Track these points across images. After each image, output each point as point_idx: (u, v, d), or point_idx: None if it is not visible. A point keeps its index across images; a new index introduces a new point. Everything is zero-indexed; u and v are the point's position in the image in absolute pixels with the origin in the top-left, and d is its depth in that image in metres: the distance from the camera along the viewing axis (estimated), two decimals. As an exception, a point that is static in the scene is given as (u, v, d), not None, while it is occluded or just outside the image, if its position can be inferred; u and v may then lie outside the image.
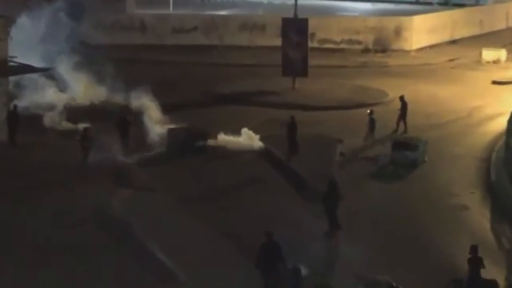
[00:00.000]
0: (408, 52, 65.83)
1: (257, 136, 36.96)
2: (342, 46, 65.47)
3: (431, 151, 36.30)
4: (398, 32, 67.06)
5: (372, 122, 38.03)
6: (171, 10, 77.22)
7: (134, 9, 72.65)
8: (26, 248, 24.74)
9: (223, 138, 36.97)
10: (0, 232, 25.71)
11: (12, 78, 39.34)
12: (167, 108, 40.24)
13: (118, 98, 42.10)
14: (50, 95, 42.76)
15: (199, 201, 29.86)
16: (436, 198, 31.17)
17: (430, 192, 31.92)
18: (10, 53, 38.48)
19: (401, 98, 41.54)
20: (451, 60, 63.63)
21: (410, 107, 41.17)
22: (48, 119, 39.38)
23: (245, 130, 37.22)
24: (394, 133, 40.08)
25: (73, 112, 40.75)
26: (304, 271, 21.71)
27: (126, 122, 36.24)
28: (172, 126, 37.38)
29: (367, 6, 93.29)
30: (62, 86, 44.20)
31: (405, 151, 35.41)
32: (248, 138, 36.99)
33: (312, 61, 51.09)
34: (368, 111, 38.92)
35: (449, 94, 50.86)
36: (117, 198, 29.40)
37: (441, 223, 27.44)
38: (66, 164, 33.23)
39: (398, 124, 40.55)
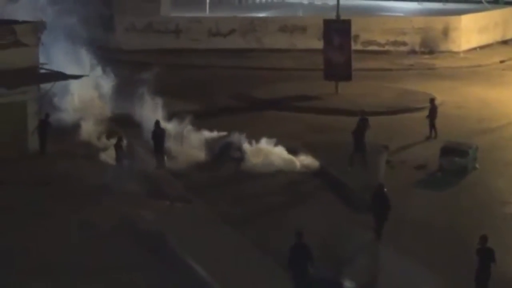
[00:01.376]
0: (456, 53, 65.47)
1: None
2: (387, 48, 65.29)
3: (482, 157, 35.95)
4: (446, 32, 66.73)
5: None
6: (207, 12, 77.35)
7: (168, 11, 72.73)
8: (53, 263, 24.52)
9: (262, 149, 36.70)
10: (26, 246, 25.74)
11: (44, 86, 39.45)
12: (204, 114, 40.40)
13: (152, 107, 42.05)
14: (83, 103, 42.92)
15: (237, 213, 29.81)
16: (488, 207, 30.86)
17: (481, 200, 31.61)
18: (41, 59, 38.68)
19: (431, 101, 41.48)
20: (502, 62, 63.24)
21: (459, 111, 41.23)
22: (82, 129, 39.47)
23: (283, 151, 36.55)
24: (428, 139, 39.96)
25: (107, 122, 40.85)
26: (349, 284, 21.68)
27: (160, 131, 36.31)
28: (210, 135, 37.38)
29: (413, 5, 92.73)
30: (95, 94, 44.38)
31: (454, 157, 35.14)
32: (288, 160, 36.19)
33: (356, 64, 50.83)
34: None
35: (500, 97, 50.42)
36: (150, 210, 29.39)
37: (494, 232, 27.09)
38: (97, 175, 33.29)
39: (431, 129, 40.42)
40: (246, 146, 36.12)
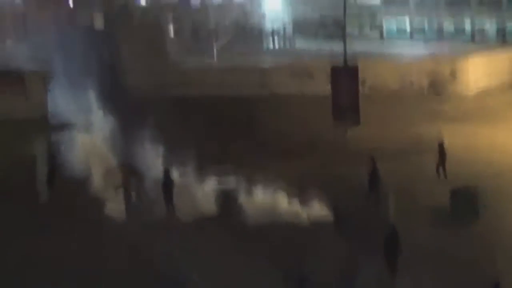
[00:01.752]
0: (465, 95, 65.53)
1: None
2: (395, 91, 65.34)
3: (492, 200, 36.13)
4: (453, 74, 66.87)
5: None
6: (215, 60, 77.87)
7: (177, 60, 73.30)
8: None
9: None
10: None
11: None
12: (212, 162, 40.79)
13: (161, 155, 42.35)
14: (89, 153, 43.12)
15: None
16: (499, 249, 31.05)
17: (492, 240, 31.83)
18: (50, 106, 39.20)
19: (440, 145, 41.86)
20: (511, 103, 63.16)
21: (468, 155, 41.21)
22: (93, 179, 39.63)
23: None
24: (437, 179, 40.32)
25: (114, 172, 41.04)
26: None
27: (170, 181, 36.54)
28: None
29: (420, 47, 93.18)
30: (103, 142, 44.54)
31: (464, 200, 35.30)
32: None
33: (364, 108, 51.05)
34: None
35: (508, 139, 50.51)
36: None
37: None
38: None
39: (438, 170, 40.66)
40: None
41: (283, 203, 36.47)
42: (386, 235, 28.84)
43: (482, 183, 38.24)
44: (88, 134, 42.54)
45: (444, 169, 41.02)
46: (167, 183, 36.53)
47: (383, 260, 28.27)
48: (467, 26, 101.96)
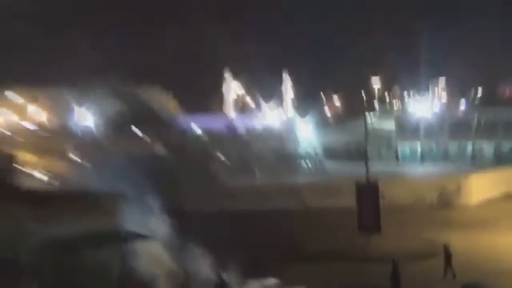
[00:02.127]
0: (468, 207, 65.25)
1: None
2: (409, 204, 65.17)
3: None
4: (459, 189, 66.84)
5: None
6: (258, 180, 78.09)
7: (226, 180, 73.69)
8: None
9: None
10: None
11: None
12: (258, 265, 40.61)
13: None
14: (156, 259, 42.98)
15: None
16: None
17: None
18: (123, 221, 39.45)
19: (445, 248, 41.53)
20: (507, 213, 62.74)
21: (473, 257, 40.85)
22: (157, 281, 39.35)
23: None
24: (444, 279, 39.88)
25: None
26: None
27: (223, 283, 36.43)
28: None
29: (430, 167, 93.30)
30: (164, 250, 44.35)
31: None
32: None
33: (384, 219, 50.94)
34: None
35: (508, 243, 50.06)
36: None
37: None
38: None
39: (445, 271, 40.30)
40: None
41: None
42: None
43: (487, 279, 37.80)
44: (152, 244, 42.59)
45: (451, 268, 40.66)
46: (221, 285, 36.40)
47: None
48: (469, 148, 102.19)
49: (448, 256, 41.06)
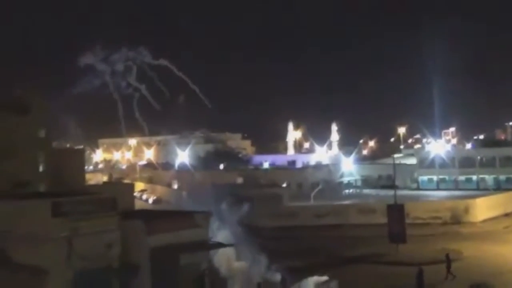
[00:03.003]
0: (475, 223, 63.67)
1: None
2: (428, 221, 63.89)
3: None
4: (467, 209, 65.52)
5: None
6: (312, 202, 77.61)
7: (287, 202, 73.46)
8: None
9: None
10: None
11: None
12: (313, 267, 39.95)
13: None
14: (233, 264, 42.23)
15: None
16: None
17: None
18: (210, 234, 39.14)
19: (447, 256, 40.54)
20: (506, 227, 60.99)
21: (480, 262, 39.59)
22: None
23: None
24: (445, 280, 38.61)
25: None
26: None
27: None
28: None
29: (443, 193, 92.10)
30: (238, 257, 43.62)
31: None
32: None
33: (409, 232, 49.84)
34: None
35: (507, 250, 48.53)
36: None
37: None
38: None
39: (447, 273, 38.93)
40: None
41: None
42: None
43: (492, 279, 36.49)
44: (232, 250, 42.10)
45: (450, 272, 39.40)
46: (283, 282, 35.75)
47: None
48: (474, 178, 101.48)
49: (448, 262, 39.91)
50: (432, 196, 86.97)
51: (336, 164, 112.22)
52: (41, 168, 61.76)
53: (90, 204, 33.42)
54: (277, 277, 37.25)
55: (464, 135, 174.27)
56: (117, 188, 72.19)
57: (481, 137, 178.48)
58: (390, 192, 62.01)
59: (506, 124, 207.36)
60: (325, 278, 35.81)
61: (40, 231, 31.18)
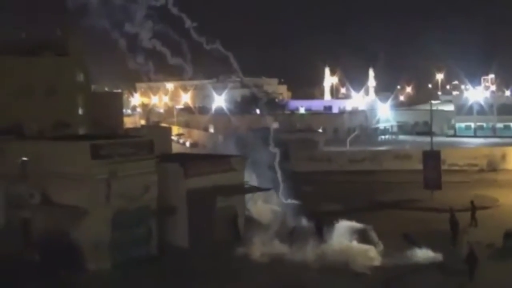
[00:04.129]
0: (511, 170, 62.83)
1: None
2: (464, 168, 63.17)
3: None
4: (504, 156, 64.57)
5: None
6: (347, 147, 77.45)
7: (323, 147, 73.39)
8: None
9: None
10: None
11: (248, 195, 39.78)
12: (347, 212, 40.07)
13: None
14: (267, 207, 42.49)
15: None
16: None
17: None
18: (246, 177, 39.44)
19: (472, 202, 40.01)
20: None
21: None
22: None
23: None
24: (469, 226, 38.08)
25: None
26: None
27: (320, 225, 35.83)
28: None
29: (481, 140, 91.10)
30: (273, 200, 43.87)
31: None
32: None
33: (444, 178, 49.39)
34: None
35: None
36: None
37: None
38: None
39: (472, 220, 38.56)
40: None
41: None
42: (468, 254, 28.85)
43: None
44: (268, 194, 42.44)
45: (475, 219, 38.91)
46: (318, 227, 35.81)
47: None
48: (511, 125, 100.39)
49: (473, 209, 39.52)
50: (469, 143, 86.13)
51: (372, 110, 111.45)
52: (80, 111, 62.57)
53: (128, 147, 33.91)
54: (312, 221, 37.42)
55: (503, 82, 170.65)
56: (155, 131, 73.15)
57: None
58: (427, 139, 61.39)
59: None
60: (359, 225, 35.67)
61: (80, 173, 31.77)
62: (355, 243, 33.01)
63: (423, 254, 31.49)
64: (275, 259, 31.97)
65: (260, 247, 33.11)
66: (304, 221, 38.10)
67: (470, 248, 29.43)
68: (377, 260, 31.27)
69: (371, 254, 31.72)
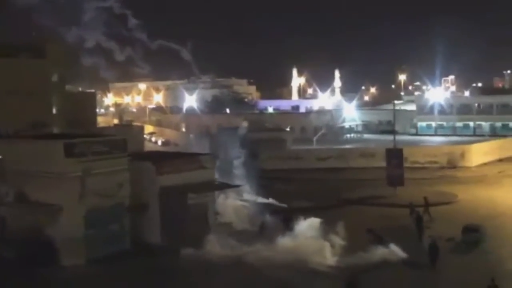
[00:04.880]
0: (470, 167, 63.79)
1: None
2: (425, 165, 63.94)
3: (490, 234, 34.68)
4: (463, 154, 65.45)
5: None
6: (314, 145, 77.85)
7: (291, 146, 73.65)
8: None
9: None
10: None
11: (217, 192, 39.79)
12: (312, 209, 40.31)
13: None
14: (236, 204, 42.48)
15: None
16: (495, 265, 29.68)
17: (491, 261, 30.45)
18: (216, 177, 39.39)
19: (425, 198, 40.72)
20: (500, 172, 61.13)
21: (473, 204, 39.88)
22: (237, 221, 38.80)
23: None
24: (430, 222, 38.28)
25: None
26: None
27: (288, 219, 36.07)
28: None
29: (441, 138, 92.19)
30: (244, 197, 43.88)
31: (472, 233, 34.01)
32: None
33: (407, 175, 50.02)
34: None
35: (500, 194, 48.77)
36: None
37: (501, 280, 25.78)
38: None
39: (426, 214, 38.91)
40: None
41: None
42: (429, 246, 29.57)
43: (484, 222, 36.70)
44: (237, 190, 42.56)
45: (429, 214, 39.25)
46: (285, 221, 36.06)
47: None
48: (471, 125, 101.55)
49: (426, 205, 40.12)
50: (430, 141, 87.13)
51: (338, 109, 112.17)
52: (54, 111, 61.97)
53: (102, 145, 33.72)
54: (280, 217, 37.58)
55: (462, 82, 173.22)
56: (128, 130, 72.80)
57: (480, 84, 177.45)
58: (390, 137, 62.00)
59: (504, 72, 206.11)
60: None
61: (54, 171, 31.52)
62: (312, 240, 32.54)
63: (387, 250, 31.46)
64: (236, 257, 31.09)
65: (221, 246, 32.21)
66: (273, 217, 38.28)
67: (432, 240, 30.00)
68: (333, 258, 30.62)
69: (326, 252, 31.05)
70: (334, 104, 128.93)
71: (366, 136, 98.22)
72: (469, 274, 28.78)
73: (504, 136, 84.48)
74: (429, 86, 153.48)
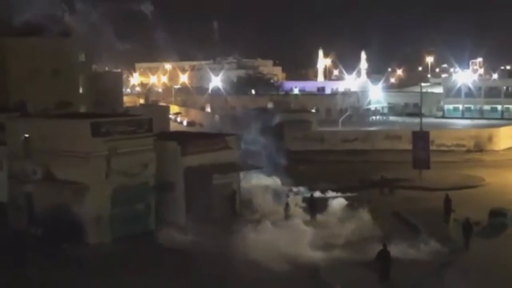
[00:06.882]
0: (497, 151, 62.96)
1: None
2: (452, 148, 63.25)
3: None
4: (490, 138, 64.71)
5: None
6: (340, 127, 77.42)
7: (316, 127, 73.28)
8: None
9: None
10: None
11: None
12: (339, 190, 40.10)
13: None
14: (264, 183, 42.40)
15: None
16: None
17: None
18: (240, 158, 39.23)
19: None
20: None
21: (501, 188, 39.27)
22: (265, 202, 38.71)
23: None
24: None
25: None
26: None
27: (314, 200, 35.89)
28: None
29: (468, 121, 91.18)
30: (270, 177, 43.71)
31: (498, 217, 33.57)
32: None
33: (433, 158, 49.42)
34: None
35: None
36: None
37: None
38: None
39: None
40: None
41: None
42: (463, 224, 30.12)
43: (510, 206, 36.09)
44: (261, 175, 42.35)
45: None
46: (312, 201, 36.08)
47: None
48: (499, 108, 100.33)
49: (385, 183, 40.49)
50: (457, 124, 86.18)
51: (364, 91, 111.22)
52: (81, 90, 62.26)
53: (128, 125, 33.78)
54: (305, 197, 37.48)
55: (491, 65, 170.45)
56: (153, 110, 72.93)
57: (508, 67, 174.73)
58: (416, 120, 61.36)
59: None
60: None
61: (80, 150, 31.68)
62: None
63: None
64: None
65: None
66: (298, 197, 38.20)
67: (465, 219, 30.06)
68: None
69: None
70: (360, 86, 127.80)
71: (392, 118, 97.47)
72: (495, 257, 28.44)
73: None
74: (457, 69, 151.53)
